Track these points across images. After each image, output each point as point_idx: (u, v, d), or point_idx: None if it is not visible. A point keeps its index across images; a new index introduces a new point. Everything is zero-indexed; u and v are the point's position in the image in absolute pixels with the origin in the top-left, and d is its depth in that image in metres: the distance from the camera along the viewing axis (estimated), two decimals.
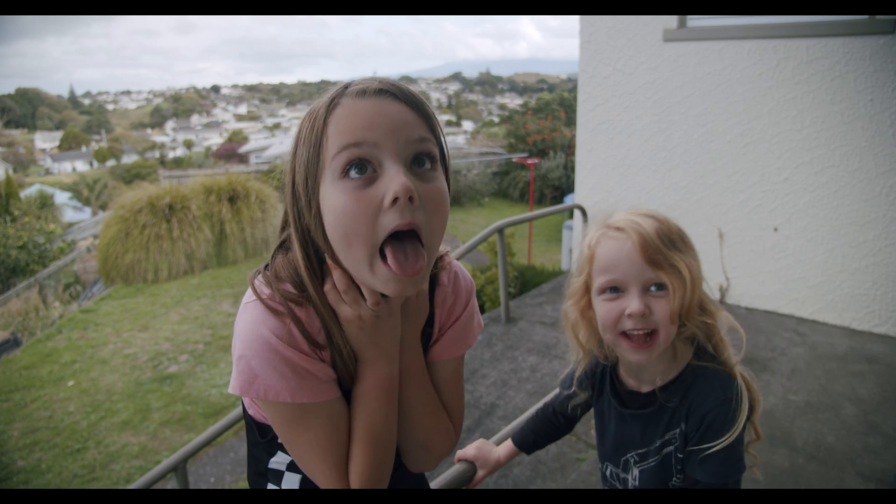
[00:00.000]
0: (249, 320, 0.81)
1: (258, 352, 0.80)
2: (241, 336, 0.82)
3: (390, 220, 0.74)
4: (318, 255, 0.84)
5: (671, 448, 1.09)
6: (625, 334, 1.05)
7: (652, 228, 1.03)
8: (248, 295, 0.84)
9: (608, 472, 1.23)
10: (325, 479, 0.87)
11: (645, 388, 1.14)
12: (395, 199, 0.73)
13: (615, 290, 1.04)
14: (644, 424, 1.13)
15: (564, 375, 1.34)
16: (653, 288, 1.02)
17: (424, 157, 0.79)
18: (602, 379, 1.22)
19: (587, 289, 1.11)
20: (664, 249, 1.02)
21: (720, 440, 1.01)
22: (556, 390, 1.37)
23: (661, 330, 1.02)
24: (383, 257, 0.77)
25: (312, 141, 0.78)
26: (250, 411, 0.96)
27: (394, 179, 0.73)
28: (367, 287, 0.82)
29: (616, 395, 1.19)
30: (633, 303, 1.02)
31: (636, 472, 1.15)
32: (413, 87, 0.84)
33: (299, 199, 0.81)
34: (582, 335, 1.16)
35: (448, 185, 0.84)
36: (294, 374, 0.80)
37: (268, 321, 0.80)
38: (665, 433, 1.09)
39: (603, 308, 1.06)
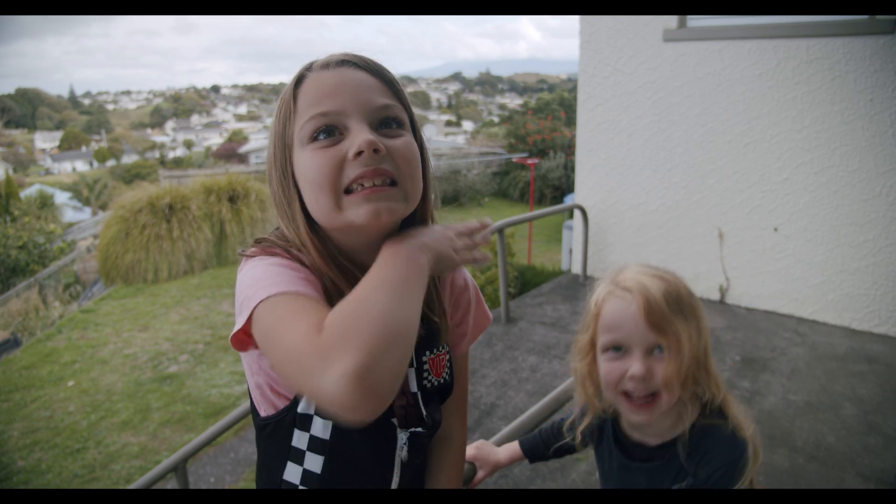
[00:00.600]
0: (244, 270, 0.82)
1: (255, 279, 0.76)
2: (238, 285, 0.81)
3: (354, 170, 0.76)
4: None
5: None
6: (626, 394, 1.05)
7: (659, 291, 1.02)
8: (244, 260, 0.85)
9: None
10: (300, 337, 0.66)
11: (651, 441, 1.13)
12: (359, 153, 0.76)
13: (618, 349, 1.05)
14: (649, 476, 1.11)
15: (563, 416, 1.34)
16: (656, 351, 1.02)
17: (391, 121, 0.82)
18: (602, 431, 1.21)
19: (593, 345, 1.11)
20: (668, 314, 1.01)
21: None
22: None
23: (662, 393, 1.02)
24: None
25: (283, 115, 0.82)
26: (261, 412, 0.93)
27: (358, 136, 0.77)
28: (337, 229, 0.81)
29: (620, 446, 1.17)
30: (634, 365, 1.02)
31: None
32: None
33: (274, 169, 0.84)
34: (590, 391, 1.16)
35: (423, 149, 0.87)
36: (291, 273, 0.77)
37: (260, 258, 0.81)
38: (672, 485, 1.08)
39: (606, 367, 1.07)
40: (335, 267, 0.83)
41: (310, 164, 0.78)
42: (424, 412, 0.92)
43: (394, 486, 0.93)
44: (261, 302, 0.72)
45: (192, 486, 3.34)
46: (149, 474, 2.78)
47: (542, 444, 1.39)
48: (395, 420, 0.91)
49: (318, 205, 0.79)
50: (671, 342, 1.01)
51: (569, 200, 9.70)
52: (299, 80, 0.83)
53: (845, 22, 3.83)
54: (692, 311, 1.05)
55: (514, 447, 1.42)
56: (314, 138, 0.79)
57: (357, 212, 0.77)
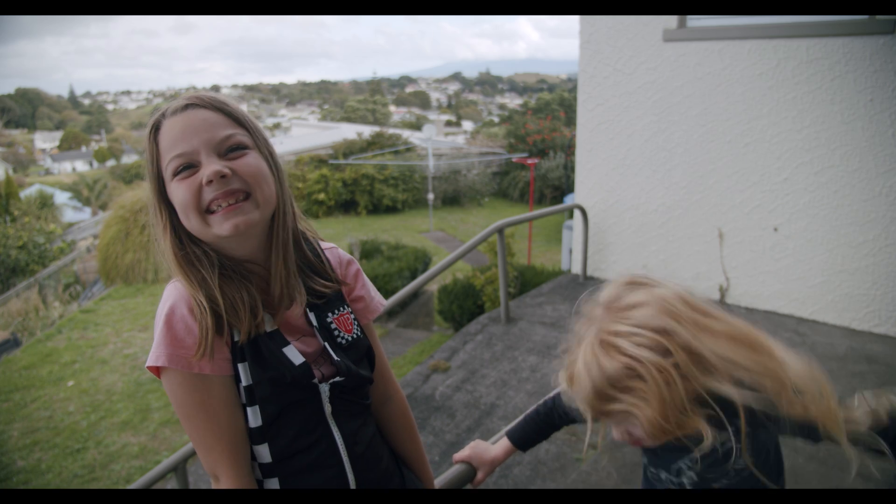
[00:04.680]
0: (162, 298, 1.02)
1: (159, 332, 0.97)
2: (157, 314, 1.01)
3: (208, 194, 0.96)
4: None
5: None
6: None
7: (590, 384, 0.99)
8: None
9: (660, 476, 1.17)
10: (216, 470, 1.00)
11: None
12: (210, 181, 0.95)
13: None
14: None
15: (547, 399, 1.34)
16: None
17: (235, 147, 1.00)
18: None
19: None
20: (604, 405, 0.99)
21: None
22: (558, 390, 1.34)
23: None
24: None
25: (151, 157, 1.00)
26: None
27: (207, 167, 0.96)
28: (212, 240, 1.00)
29: None
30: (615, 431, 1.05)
31: (692, 474, 1.10)
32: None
33: (151, 200, 1.02)
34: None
35: (272, 161, 1.05)
36: (174, 339, 0.95)
37: (173, 289, 1.01)
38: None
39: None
40: (195, 276, 0.99)
41: (177, 193, 0.97)
42: (335, 357, 1.07)
43: (340, 447, 1.06)
44: (162, 368, 0.96)
45: (192, 486, 3.34)
46: (149, 474, 2.79)
47: (534, 431, 1.38)
48: (315, 380, 1.04)
49: (191, 224, 0.99)
50: (628, 407, 0.97)
51: (569, 200, 9.70)
52: (156, 128, 0.99)
53: (845, 22, 3.83)
54: (629, 385, 0.95)
55: (505, 442, 1.41)
56: (176, 173, 0.97)
57: (220, 228, 0.97)
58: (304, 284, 1.09)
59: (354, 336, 1.13)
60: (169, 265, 1.02)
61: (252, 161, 1.00)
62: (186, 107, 0.99)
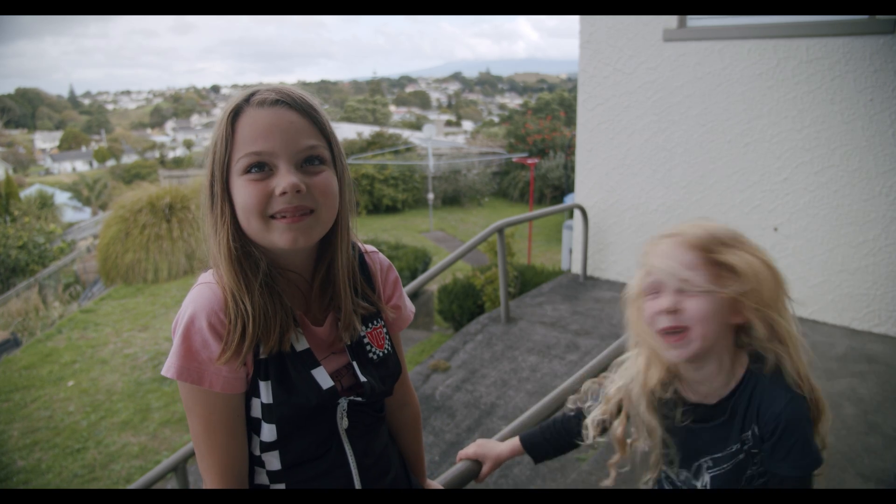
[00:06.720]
0: (189, 294, 0.98)
1: (178, 340, 0.94)
2: (182, 308, 0.98)
3: (279, 205, 0.93)
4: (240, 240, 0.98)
5: (745, 449, 1.12)
6: (661, 332, 1.09)
7: (694, 234, 1.08)
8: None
9: (677, 477, 1.23)
10: (205, 476, 1.01)
11: (710, 401, 1.15)
12: (283, 193, 0.91)
13: (655, 290, 1.10)
14: (713, 433, 1.14)
15: (565, 412, 1.36)
16: (690, 288, 1.06)
17: (314, 158, 0.96)
18: (666, 406, 1.20)
19: (641, 291, 1.15)
20: (697, 256, 1.06)
21: (797, 435, 1.06)
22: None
23: (693, 326, 1.05)
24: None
25: (223, 142, 0.95)
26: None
27: (284, 177, 0.92)
28: (267, 245, 0.96)
29: (683, 412, 1.18)
30: (663, 300, 1.07)
31: (707, 477, 1.17)
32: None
33: (210, 186, 0.98)
34: (648, 339, 1.16)
35: (342, 175, 1.02)
36: (189, 352, 0.92)
37: (198, 295, 0.96)
38: (739, 436, 1.11)
39: (645, 307, 1.12)
40: (242, 276, 0.95)
41: (243, 192, 0.93)
42: (362, 377, 1.03)
43: (350, 459, 1.04)
44: (178, 378, 0.94)
45: (192, 486, 3.35)
46: (149, 474, 2.79)
47: (546, 442, 1.38)
48: (337, 392, 1.02)
49: (250, 225, 0.95)
50: (708, 280, 1.05)
51: (569, 200, 9.69)
52: (237, 113, 0.94)
53: (845, 22, 3.83)
54: (731, 257, 1.08)
55: (514, 442, 1.42)
56: (247, 171, 0.93)
57: (280, 237, 0.93)
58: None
59: (386, 351, 1.10)
60: (217, 259, 0.97)
61: (327, 180, 0.96)
62: (276, 102, 0.94)
